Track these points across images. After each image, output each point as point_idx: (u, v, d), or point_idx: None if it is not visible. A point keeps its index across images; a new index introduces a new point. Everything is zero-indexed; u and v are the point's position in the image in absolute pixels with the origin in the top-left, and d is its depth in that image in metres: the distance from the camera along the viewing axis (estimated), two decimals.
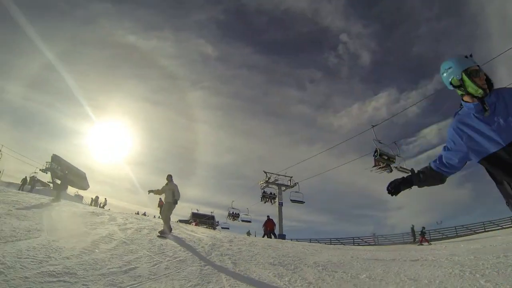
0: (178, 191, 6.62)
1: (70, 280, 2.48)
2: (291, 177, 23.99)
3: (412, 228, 19.27)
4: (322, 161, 53.79)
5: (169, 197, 6.49)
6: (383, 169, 14.89)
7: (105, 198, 25.52)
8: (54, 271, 2.57)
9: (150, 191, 6.63)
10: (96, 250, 3.63)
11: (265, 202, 23.95)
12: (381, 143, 15.06)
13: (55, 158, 33.24)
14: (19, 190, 16.97)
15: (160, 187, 6.64)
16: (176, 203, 6.53)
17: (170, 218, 6.44)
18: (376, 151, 14.75)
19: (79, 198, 26.00)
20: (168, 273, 3.22)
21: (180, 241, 5.51)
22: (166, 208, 6.53)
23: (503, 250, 5.32)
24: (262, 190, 23.85)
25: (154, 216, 13.80)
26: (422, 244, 14.27)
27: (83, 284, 2.44)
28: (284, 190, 23.83)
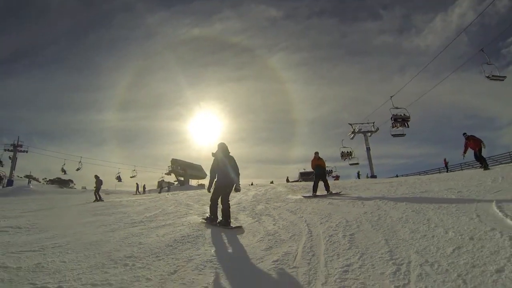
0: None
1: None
2: (373, 122, 27.74)
3: None
4: (417, 88, 51.34)
5: None
6: (400, 126, 18.20)
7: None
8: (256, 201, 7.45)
9: None
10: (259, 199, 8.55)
11: (344, 160, 28.77)
12: (397, 108, 18.45)
13: (174, 161, 43.99)
14: (159, 193, 23.87)
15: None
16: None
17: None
18: (391, 117, 19.35)
19: (201, 186, 34.75)
20: (275, 199, 7.81)
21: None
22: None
23: None
24: (340, 151, 29.08)
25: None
26: None
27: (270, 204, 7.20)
28: (370, 136, 27.54)
